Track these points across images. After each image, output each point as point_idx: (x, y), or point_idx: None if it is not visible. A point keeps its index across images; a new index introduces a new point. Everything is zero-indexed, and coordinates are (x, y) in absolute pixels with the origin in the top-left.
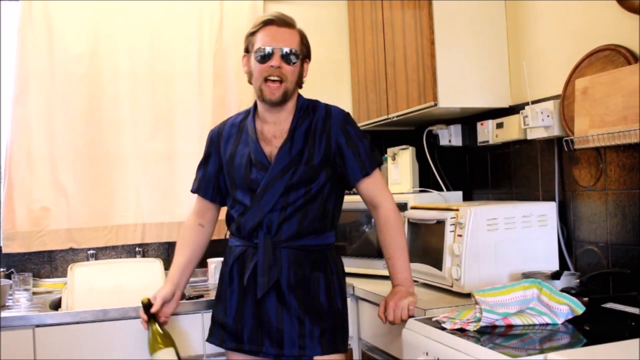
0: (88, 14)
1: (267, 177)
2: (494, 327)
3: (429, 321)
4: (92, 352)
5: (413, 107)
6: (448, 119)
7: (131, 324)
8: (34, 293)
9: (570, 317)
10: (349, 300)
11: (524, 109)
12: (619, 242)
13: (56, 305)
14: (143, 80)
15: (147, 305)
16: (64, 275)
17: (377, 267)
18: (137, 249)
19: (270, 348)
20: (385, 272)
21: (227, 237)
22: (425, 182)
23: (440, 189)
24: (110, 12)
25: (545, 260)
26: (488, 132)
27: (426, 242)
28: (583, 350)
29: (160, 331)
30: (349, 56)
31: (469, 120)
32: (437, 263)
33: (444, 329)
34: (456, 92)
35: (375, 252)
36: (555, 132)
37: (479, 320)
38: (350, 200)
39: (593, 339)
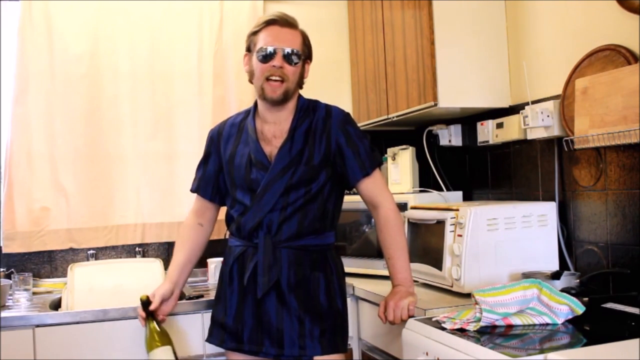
0: (88, 14)
1: (267, 177)
2: (494, 327)
3: (429, 321)
4: (92, 352)
5: (413, 107)
6: (448, 119)
7: (131, 324)
8: (34, 293)
9: (570, 317)
10: (349, 300)
11: (524, 109)
12: (619, 242)
13: (56, 305)
14: (143, 80)
15: (145, 303)
16: (64, 275)
17: (377, 267)
18: (137, 249)
19: (270, 348)
20: (385, 272)
21: (227, 237)
22: (425, 182)
23: (440, 189)
24: (110, 12)
25: (545, 260)
26: (488, 132)
27: (426, 242)
28: (583, 350)
29: (158, 329)
30: (349, 56)
31: (469, 120)
32: (437, 263)
33: (444, 329)
34: (456, 92)
35: (375, 252)
36: (555, 132)
37: (479, 320)
38: (350, 200)
39: (593, 339)
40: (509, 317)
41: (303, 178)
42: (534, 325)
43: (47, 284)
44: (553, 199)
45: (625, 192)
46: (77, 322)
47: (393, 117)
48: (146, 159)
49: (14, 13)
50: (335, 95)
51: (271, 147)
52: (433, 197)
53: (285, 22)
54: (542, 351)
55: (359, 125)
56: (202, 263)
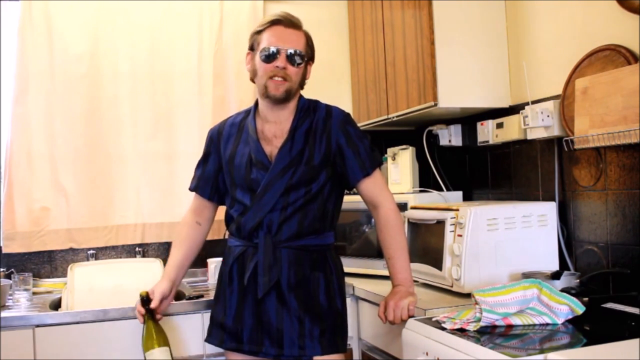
0: (88, 14)
1: (267, 177)
2: (494, 327)
3: (429, 321)
4: (92, 352)
5: (413, 107)
6: (448, 119)
7: (131, 324)
8: (34, 293)
9: (570, 317)
10: (348, 300)
11: (524, 109)
12: (619, 242)
13: (56, 305)
14: (143, 80)
15: (145, 300)
16: (64, 275)
17: (377, 267)
18: (137, 249)
19: (270, 348)
20: (385, 272)
21: (226, 237)
22: (425, 182)
23: (440, 189)
24: (110, 12)
25: (545, 260)
26: (488, 132)
27: (426, 242)
28: (583, 350)
29: (156, 329)
30: (349, 56)
31: (469, 120)
32: (437, 263)
33: (444, 329)
34: (456, 92)
35: (375, 252)
36: (555, 132)
37: (479, 320)
38: (350, 200)
39: (593, 339)
40: (509, 317)
41: (303, 178)
42: (534, 325)
43: (47, 284)
44: (553, 199)
45: (625, 192)
46: (77, 322)
47: (393, 117)
48: (146, 158)
49: (14, 13)
50: (335, 95)
51: (271, 147)
52: (433, 197)
53: (290, 22)
54: (542, 351)
55: (359, 125)
56: (202, 263)
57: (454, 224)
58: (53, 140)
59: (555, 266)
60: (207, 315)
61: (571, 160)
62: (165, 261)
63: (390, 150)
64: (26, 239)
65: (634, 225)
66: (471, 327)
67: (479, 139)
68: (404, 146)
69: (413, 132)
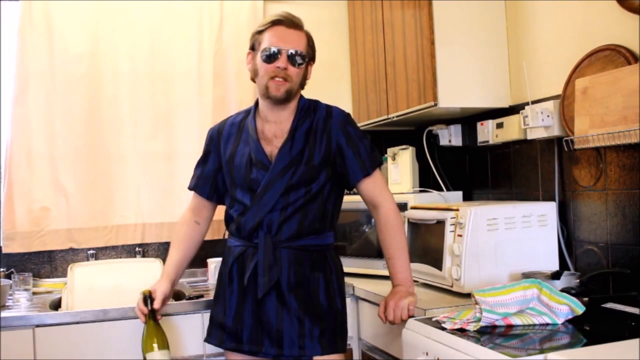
0: (88, 14)
1: (267, 177)
2: (494, 327)
3: (429, 321)
4: (92, 352)
5: (413, 107)
6: (448, 119)
7: (131, 324)
8: (34, 293)
9: (570, 317)
10: (348, 300)
11: (524, 109)
12: (619, 242)
13: (56, 305)
14: (143, 80)
15: (147, 297)
16: (64, 275)
17: (377, 267)
18: (137, 249)
19: (269, 348)
20: (385, 272)
21: (226, 237)
22: (425, 182)
23: (440, 189)
24: (110, 12)
25: (545, 260)
26: (488, 132)
27: (426, 242)
28: (583, 350)
29: (157, 330)
30: (349, 56)
31: (469, 120)
32: (437, 263)
33: (444, 329)
34: (456, 92)
35: (375, 252)
36: (555, 132)
37: (479, 320)
38: (350, 200)
39: (593, 339)
40: (509, 317)
41: (303, 178)
42: (534, 325)
43: (47, 284)
44: (553, 199)
45: (625, 192)
46: (77, 322)
47: (393, 117)
48: (146, 158)
49: (14, 13)
50: (335, 95)
51: (272, 147)
52: (433, 197)
53: (291, 22)
54: (542, 351)
55: (359, 125)
56: (202, 263)
57: (454, 224)
58: (53, 140)
59: (555, 266)
60: (207, 315)
61: (571, 160)
62: (164, 261)
63: (390, 150)
64: (26, 239)
65: (634, 225)
66: (471, 327)
67: (479, 139)
68: (404, 146)
69: (413, 132)
